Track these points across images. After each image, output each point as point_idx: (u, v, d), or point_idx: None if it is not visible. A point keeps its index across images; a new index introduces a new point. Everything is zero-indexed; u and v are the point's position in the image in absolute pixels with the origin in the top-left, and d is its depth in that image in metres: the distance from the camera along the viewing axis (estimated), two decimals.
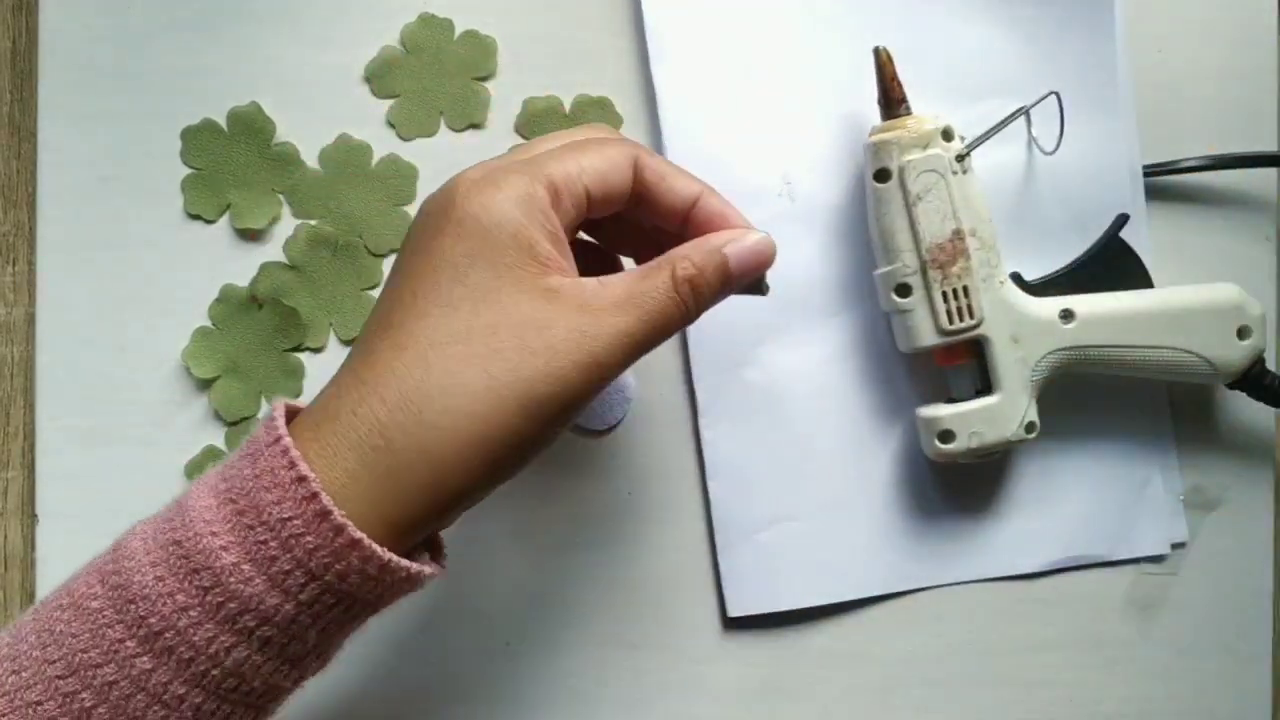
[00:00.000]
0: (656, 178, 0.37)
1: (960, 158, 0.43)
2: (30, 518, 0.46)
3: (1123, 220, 0.46)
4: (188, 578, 0.30)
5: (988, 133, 0.44)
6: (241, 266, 0.46)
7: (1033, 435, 0.44)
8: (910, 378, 0.47)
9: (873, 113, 0.45)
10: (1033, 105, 0.45)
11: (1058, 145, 0.45)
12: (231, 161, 0.46)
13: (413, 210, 0.46)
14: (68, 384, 0.45)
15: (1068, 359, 0.44)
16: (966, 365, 0.45)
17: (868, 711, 0.47)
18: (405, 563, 0.32)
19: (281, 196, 0.46)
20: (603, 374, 0.33)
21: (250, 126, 0.46)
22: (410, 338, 0.32)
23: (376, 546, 0.31)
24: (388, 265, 0.46)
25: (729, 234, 0.36)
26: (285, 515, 0.30)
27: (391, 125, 0.46)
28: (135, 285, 0.46)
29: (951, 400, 0.45)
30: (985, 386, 0.44)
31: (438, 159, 0.46)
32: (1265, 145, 0.48)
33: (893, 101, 0.44)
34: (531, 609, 0.46)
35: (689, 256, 0.35)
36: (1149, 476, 0.47)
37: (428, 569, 0.33)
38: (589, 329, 0.33)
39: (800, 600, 0.46)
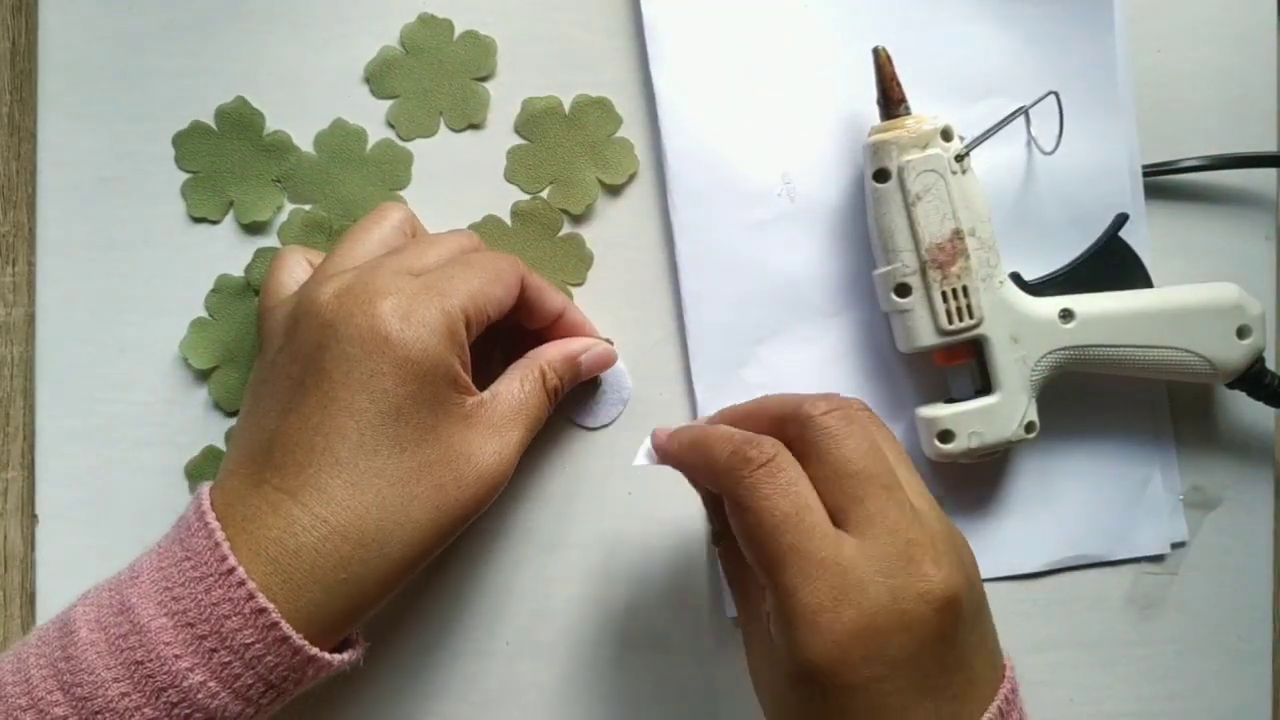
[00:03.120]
0: (536, 293, 0.42)
1: (959, 157, 0.43)
2: (30, 518, 0.46)
3: (1122, 220, 0.46)
4: (155, 695, 0.33)
5: (987, 132, 0.44)
6: (242, 262, 0.46)
7: (1032, 435, 0.44)
8: (910, 378, 0.47)
9: (872, 113, 0.45)
10: (1032, 105, 0.45)
11: (1057, 145, 0.45)
12: (227, 159, 0.46)
13: (407, 195, 0.46)
14: (68, 384, 0.45)
15: (1067, 359, 0.44)
16: (966, 365, 0.45)
17: None
18: (345, 658, 0.37)
19: (281, 186, 0.46)
20: (505, 483, 0.39)
21: (239, 122, 0.46)
22: (364, 476, 0.36)
23: (329, 656, 0.35)
24: None
25: (582, 343, 0.43)
26: (248, 641, 0.33)
27: (391, 125, 0.46)
28: (135, 285, 0.46)
29: (951, 400, 0.45)
30: (985, 386, 0.44)
31: (437, 159, 0.46)
32: (1265, 145, 0.48)
33: (892, 101, 0.44)
34: (531, 609, 0.46)
35: (554, 366, 0.41)
36: (1149, 476, 0.47)
37: (360, 654, 0.38)
38: (501, 449, 0.38)
39: None
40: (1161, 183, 0.47)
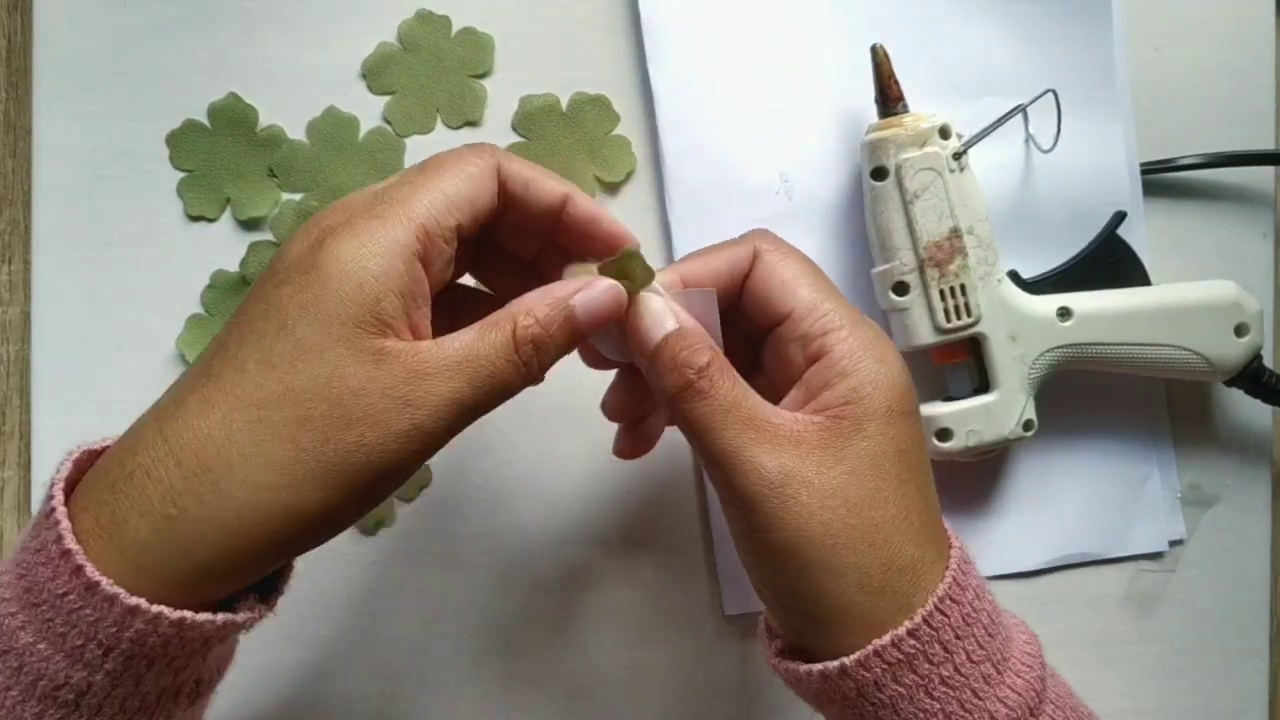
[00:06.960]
0: (521, 185, 0.35)
1: (957, 155, 0.43)
2: (27, 517, 0.46)
3: (1120, 218, 0.46)
4: (1, 658, 0.29)
5: (985, 131, 0.44)
6: (238, 257, 0.46)
7: (1030, 433, 0.44)
8: None
9: (870, 111, 0.44)
10: (1030, 103, 0.45)
11: (1055, 143, 0.45)
12: (222, 156, 0.46)
13: None
14: (64, 383, 0.45)
15: (1065, 357, 0.44)
16: (964, 363, 0.44)
17: None
18: (204, 617, 0.30)
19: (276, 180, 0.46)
20: (428, 443, 0.31)
21: (232, 118, 0.46)
22: (220, 393, 0.30)
23: (161, 609, 0.29)
24: None
25: (575, 283, 0.34)
26: (60, 590, 0.28)
27: (388, 122, 0.46)
28: (131, 283, 0.46)
29: (949, 398, 0.45)
30: (983, 385, 0.44)
31: None
32: (1263, 143, 0.48)
33: (890, 99, 0.44)
34: (531, 608, 0.46)
35: (532, 311, 0.33)
36: (1147, 474, 0.47)
37: (239, 617, 0.31)
38: (413, 396, 0.30)
39: None
40: (1159, 180, 0.47)
